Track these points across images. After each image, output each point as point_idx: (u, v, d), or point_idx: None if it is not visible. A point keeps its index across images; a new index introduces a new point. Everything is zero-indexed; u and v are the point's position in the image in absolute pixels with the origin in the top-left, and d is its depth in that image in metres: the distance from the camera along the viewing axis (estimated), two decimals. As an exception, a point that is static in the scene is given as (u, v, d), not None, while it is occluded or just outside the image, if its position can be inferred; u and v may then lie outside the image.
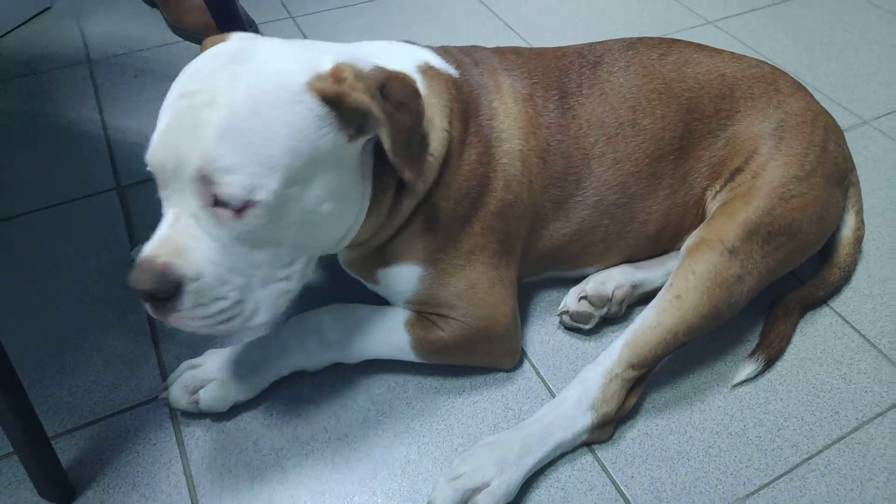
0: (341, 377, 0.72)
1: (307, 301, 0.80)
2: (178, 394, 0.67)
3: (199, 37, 1.19)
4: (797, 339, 0.78)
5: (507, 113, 0.68)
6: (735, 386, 0.73)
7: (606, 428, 0.67)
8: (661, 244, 0.77)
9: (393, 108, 0.54)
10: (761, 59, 1.17)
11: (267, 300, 0.57)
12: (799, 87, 0.77)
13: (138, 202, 0.91)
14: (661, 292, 0.69)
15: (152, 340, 0.76)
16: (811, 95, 0.78)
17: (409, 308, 0.70)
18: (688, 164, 0.73)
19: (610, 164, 0.71)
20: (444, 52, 0.70)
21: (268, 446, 0.67)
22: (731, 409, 0.72)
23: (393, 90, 0.55)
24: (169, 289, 0.52)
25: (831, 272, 0.82)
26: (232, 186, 0.50)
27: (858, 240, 0.83)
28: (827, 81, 1.17)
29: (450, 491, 0.60)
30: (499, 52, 0.74)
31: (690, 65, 0.75)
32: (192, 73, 0.55)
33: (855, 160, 0.85)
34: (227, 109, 0.51)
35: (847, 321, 0.80)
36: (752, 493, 0.65)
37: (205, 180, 0.51)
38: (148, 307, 0.54)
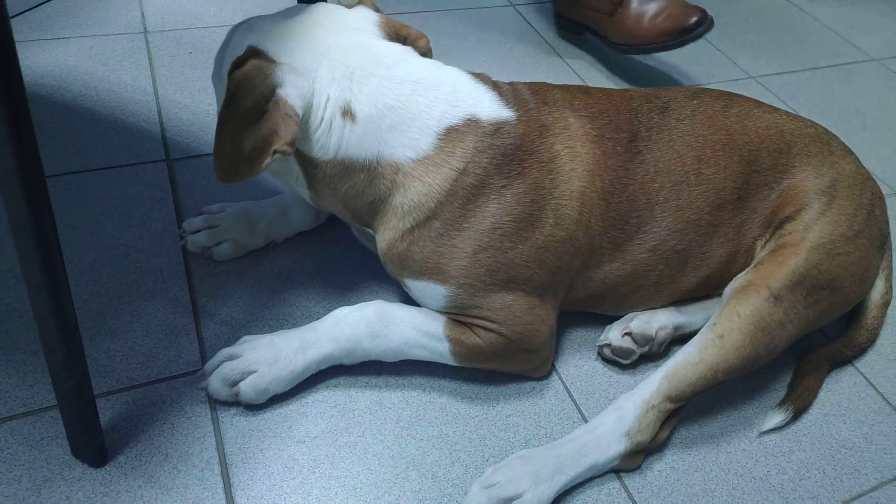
0: (377, 374, 0.73)
1: (353, 294, 0.81)
2: (217, 386, 0.67)
3: (657, 47, 1.16)
4: (822, 394, 0.80)
5: (571, 155, 0.69)
6: (762, 433, 0.75)
7: (637, 457, 0.68)
8: (707, 289, 0.78)
9: (232, 88, 0.61)
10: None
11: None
12: (849, 151, 0.80)
13: (185, 176, 0.92)
14: (704, 329, 0.71)
15: (193, 314, 0.76)
16: (859, 160, 0.80)
17: (447, 314, 0.71)
18: (744, 213, 0.75)
19: (672, 210, 0.72)
20: (510, 90, 0.72)
21: (302, 433, 0.67)
22: (756, 453, 0.73)
23: (237, 72, 0.62)
24: None
25: (859, 333, 0.84)
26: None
27: (886, 304, 0.86)
28: (861, 150, 1.21)
29: (483, 498, 0.61)
30: (568, 91, 0.75)
31: (751, 118, 0.77)
32: None
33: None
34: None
35: (871, 383, 0.82)
36: (773, 539, 0.66)
37: None
38: None
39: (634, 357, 0.77)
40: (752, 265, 0.75)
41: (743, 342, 0.69)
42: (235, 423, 0.67)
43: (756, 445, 0.73)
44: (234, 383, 0.67)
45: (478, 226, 0.66)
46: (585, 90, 0.76)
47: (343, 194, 0.68)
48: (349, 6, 0.72)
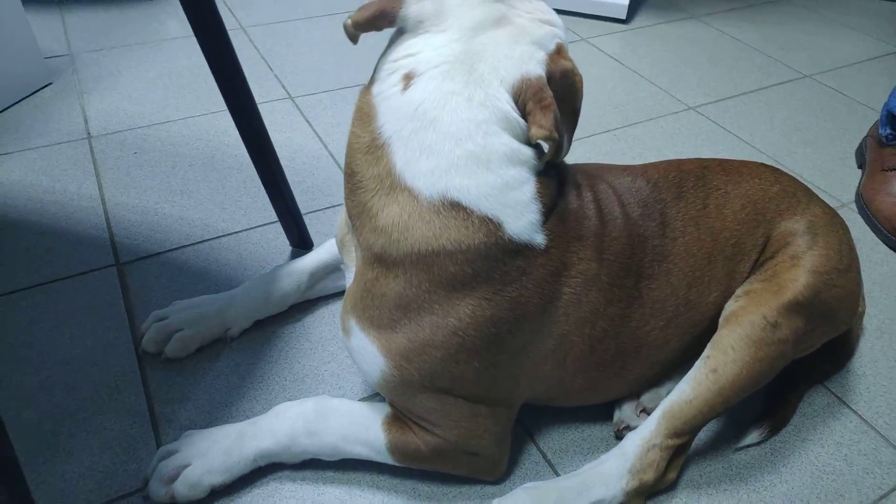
0: (343, 467, 0.71)
1: (314, 382, 0.79)
2: (155, 487, 0.65)
3: None
4: (798, 420, 0.79)
5: (574, 301, 0.65)
6: (738, 449, 0.75)
7: (640, 498, 0.67)
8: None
9: None
10: (741, 142, 1.23)
11: None
12: (812, 194, 0.79)
13: (137, 279, 0.91)
14: (697, 363, 0.69)
15: (151, 422, 0.74)
16: (824, 201, 0.80)
17: (389, 405, 0.68)
18: (728, 293, 0.73)
19: (659, 345, 0.71)
20: (561, 211, 0.63)
21: (271, 537, 0.65)
22: (739, 492, 0.71)
23: None
24: None
25: (840, 348, 0.84)
26: None
27: (860, 314, 0.86)
28: (806, 166, 1.23)
29: None
30: (603, 222, 0.68)
31: (728, 203, 0.74)
32: None
33: None
34: None
35: (844, 402, 0.82)
36: (766, 583, 0.64)
37: None
38: None
39: None
40: (740, 291, 0.72)
41: (739, 374, 0.67)
42: (201, 535, 0.64)
43: (737, 484, 0.72)
44: (171, 480, 0.65)
45: (442, 318, 0.59)
46: (618, 210, 0.69)
47: (349, 147, 0.61)
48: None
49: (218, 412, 0.75)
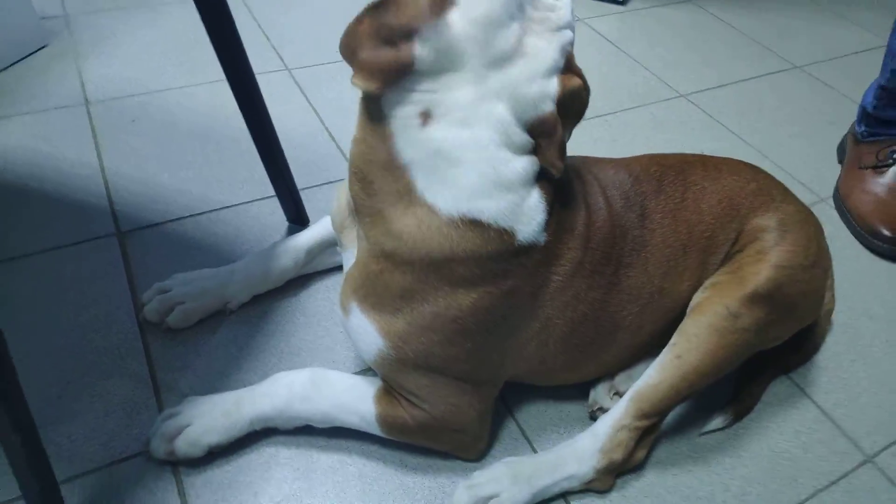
0: (336, 435, 0.75)
1: (307, 355, 0.83)
2: (156, 443, 0.70)
3: None
4: (761, 408, 0.85)
5: (559, 286, 0.69)
6: (703, 433, 0.80)
7: (610, 476, 0.73)
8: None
9: None
10: (729, 132, 1.26)
11: None
12: (787, 192, 0.83)
13: (138, 249, 0.94)
14: (664, 350, 0.74)
15: (153, 388, 0.78)
16: (799, 200, 0.83)
17: (381, 380, 0.72)
18: (699, 283, 0.77)
19: (634, 329, 0.75)
20: (559, 214, 0.67)
21: (267, 499, 0.69)
22: (701, 474, 0.77)
23: None
24: None
25: (807, 341, 0.89)
26: None
27: (829, 312, 0.91)
28: (790, 159, 1.27)
29: (466, 496, 0.68)
30: (591, 211, 0.72)
31: (704, 197, 0.77)
32: None
33: None
34: None
35: (805, 392, 0.87)
36: (720, 555, 0.70)
37: None
38: None
39: None
40: (708, 282, 0.76)
41: (702, 361, 0.71)
42: (202, 496, 0.69)
43: (701, 466, 0.78)
44: (172, 438, 0.70)
45: (442, 308, 0.63)
46: (602, 202, 0.72)
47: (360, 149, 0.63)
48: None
49: (217, 381, 0.79)
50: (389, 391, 0.71)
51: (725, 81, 1.48)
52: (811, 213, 0.83)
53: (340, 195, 0.73)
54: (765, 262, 0.74)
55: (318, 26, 1.48)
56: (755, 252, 0.75)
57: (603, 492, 0.73)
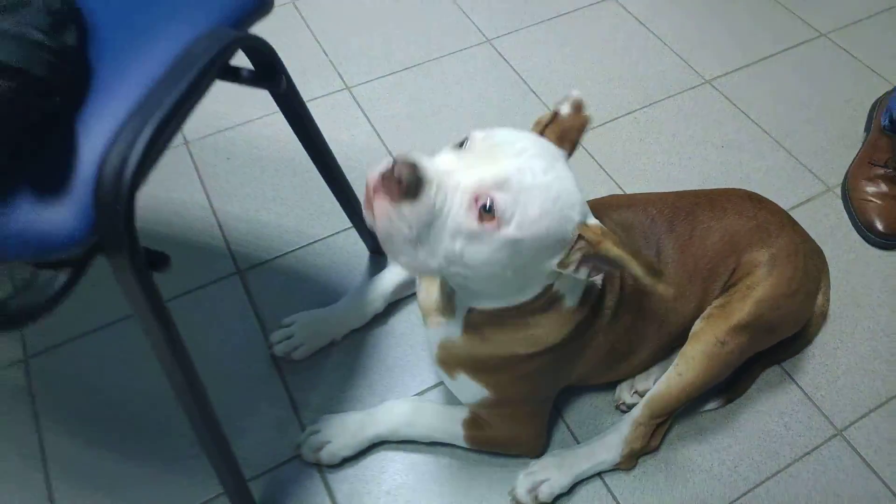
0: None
1: (403, 374, 1.09)
2: (306, 452, 0.99)
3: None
4: (754, 393, 1.08)
5: (602, 331, 0.91)
6: (703, 412, 1.06)
7: (633, 459, 0.99)
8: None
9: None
10: (748, 121, 1.38)
11: (415, 259, 0.70)
12: (784, 225, 0.99)
13: (257, 284, 1.19)
14: (670, 368, 0.97)
15: (292, 406, 1.06)
16: (795, 228, 1.01)
17: (468, 410, 0.98)
18: (703, 308, 0.98)
19: (654, 340, 0.98)
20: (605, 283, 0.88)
21: (387, 485, 0.98)
22: (703, 451, 1.03)
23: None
24: (413, 181, 0.64)
25: (798, 341, 1.10)
26: (505, 202, 0.65)
27: (823, 314, 1.11)
28: (803, 147, 1.41)
29: (525, 481, 0.96)
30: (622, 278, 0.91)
31: (709, 235, 0.96)
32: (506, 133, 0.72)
33: (815, 230, 1.12)
34: (532, 152, 0.69)
35: (792, 378, 1.10)
36: (714, 515, 0.97)
37: (499, 185, 0.66)
38: (381, 184, 0.65)
39: None
40: (705, 313, 0.97)
41: (697, 376, 0.95)
42: (341, 487, 0.98)
43: (704, 445, 1.03)
44: (318, 450, 0.99)
45: (538, 363, 0.86)
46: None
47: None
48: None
49: (337, 395, 1.07)
50: (475, 418, 0.97)
51: (749, 61, 1.57)
52: (804, 244, 1.00)
53: (430, 289, 0.95)
54: (750, 298, 0.94)
55: (370, 38, 1.61)
56: (745, 287, 0.95)
57: (628, 470, 1.00)
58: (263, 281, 1.19)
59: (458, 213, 0.66)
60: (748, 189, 1.05)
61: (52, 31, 0.57)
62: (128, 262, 0.58)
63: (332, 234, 1.26)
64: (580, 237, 0.71)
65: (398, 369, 1.10)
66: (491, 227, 0.66)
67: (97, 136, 0.59)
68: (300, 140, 1.03)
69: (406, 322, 1.15)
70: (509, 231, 0.66)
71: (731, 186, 1.09)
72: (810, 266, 1.01)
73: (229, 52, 0.68)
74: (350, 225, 1.26)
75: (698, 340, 0.95)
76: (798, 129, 1.44)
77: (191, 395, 0.74)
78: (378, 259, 1.21)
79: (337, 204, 1.28)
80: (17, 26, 0.54)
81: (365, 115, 1.45)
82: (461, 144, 0.71)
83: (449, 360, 0.91)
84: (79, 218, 0.56)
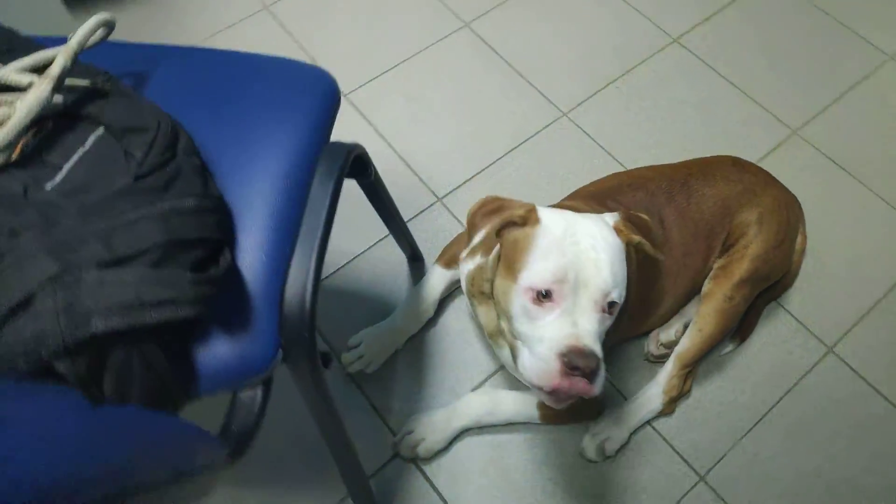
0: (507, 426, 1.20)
1: (467, 369, 1.24)
2: (404, 450, 1.15)
3: None
4: (759, 330, 1.28)
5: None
6: (722, 354, 1.26)
7: (673, 404, 1.19)
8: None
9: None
10: (720, 77, 1.52)
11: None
12: (766, 184, 1.19)
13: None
14: (690, 326, 1.18)
15: (377, 414, 1.20)
16: (776, 184, 1.20)
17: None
18: (709, 261, 1.17)
19: (672, 291, 1.15)
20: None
21: (474, 463, 1.16)
22: (725, 385, 1.24)
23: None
24: (594, 367, 0.80)
25: (786, 278, 1.30)
26: (617, 297, 0.84)
27: (802, 251, 1.31)
28: (768, 93, 1.56)
29: (592, 441, 1.15)
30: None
31: (704, 201, 1.14)
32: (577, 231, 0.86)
33: (784, 174, 1.29)
34: (608, 254, 0.84)
35: (787, 310, 1.31)
36: (748, 432, 1.19)
37: (605, 294, 0.83)
38: (574, 380, 0.79)
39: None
40: (711, 274, 1.18)
41: (714, 329, 1.16)
42: (439, 473, 1.15)
43: (728, 381, 1.24)
44: (413, 447, 1.15)
45: None
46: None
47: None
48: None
49: (414, 395, 1.22)
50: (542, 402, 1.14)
51: (709, 13, 1.69)
52: (785, 197, 1.20)
53: (488, 314, 1.08)
54: (746, 257, 1.14)
55: (357, 38, 1.64)
56: (741, 247, 1.15)
57: (670, 415, 1.20)
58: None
59: (598, 330, 0.84)
60: (731, 151, 1.24)
61: (204, 189, 0.65)
62: (308, 368, 0.69)
63: (369, 248, 1.37)
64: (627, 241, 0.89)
65: (460, 363, 1.25)
66: (614, 307, 0.85)
67: (254, 260, 0.69)
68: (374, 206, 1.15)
69: (456, 320, 1.29)
70: (621, 298, 0.86)
71: (713, 143, 1.26)
72: (791, 216, 1.21)
73: (348, 165, 0.77)
74: (381, 236, 1.36)
75: (710, 299, 1.15)
76: (763, 75, 1.59)
77: (345, 452, 0.93)
78: (416, 264, 1.33)
79: (368, 217, 1.38)
80: (179, 199, 0.62)
81: (369, 122, 1.52)
82: (546, 295, 0.82)
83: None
84: (267, 345, 0.66)
